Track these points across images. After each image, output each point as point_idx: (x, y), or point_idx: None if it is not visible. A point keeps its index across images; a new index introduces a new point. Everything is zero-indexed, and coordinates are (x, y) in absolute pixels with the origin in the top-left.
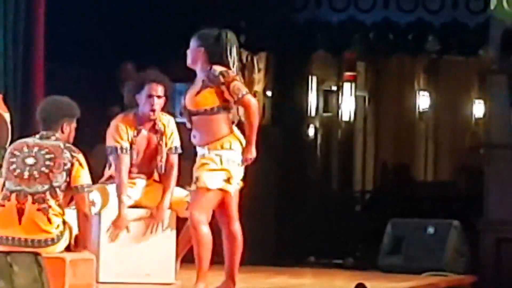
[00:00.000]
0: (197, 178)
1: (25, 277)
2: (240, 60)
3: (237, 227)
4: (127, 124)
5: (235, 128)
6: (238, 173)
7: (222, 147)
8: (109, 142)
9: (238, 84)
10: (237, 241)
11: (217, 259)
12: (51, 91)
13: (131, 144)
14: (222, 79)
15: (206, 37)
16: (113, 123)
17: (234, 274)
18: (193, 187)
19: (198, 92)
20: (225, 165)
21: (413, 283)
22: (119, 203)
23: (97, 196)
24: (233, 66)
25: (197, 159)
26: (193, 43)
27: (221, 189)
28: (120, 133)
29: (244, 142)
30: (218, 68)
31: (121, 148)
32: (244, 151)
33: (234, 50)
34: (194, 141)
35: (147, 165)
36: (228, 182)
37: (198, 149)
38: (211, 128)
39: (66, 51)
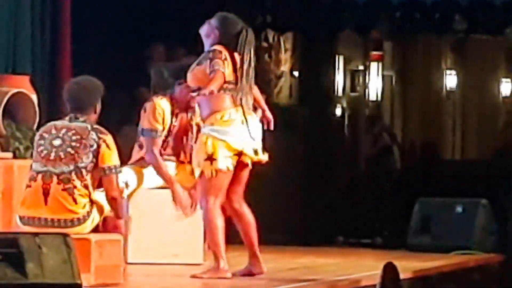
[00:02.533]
0: (197, 164)
1: (54, 258)
2: (266, 41)
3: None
4: (165, 108)
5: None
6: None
7: (215, 122)
8: (145, 124)
9: (219, 62)
10: (246, 219)
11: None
12: (77, 72)
13: (170, 128)
14: (210, 55)
15: (227, 24)
16: (149, 105)
17: (256, 252)
18: (196, 172)
19: (193, 69)
20: (210, 142)
21: (441, 262)
22: (170, 183)
23: (133, 177)
24: (245, 64)
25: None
26: (214, 21)
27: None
28: (156, 116)
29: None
30: (216, 47)
31: (157, 131)
32: None
33: (251, 51)
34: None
35: (178, 146)
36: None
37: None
38: (208, 104)
39: (93, 32)
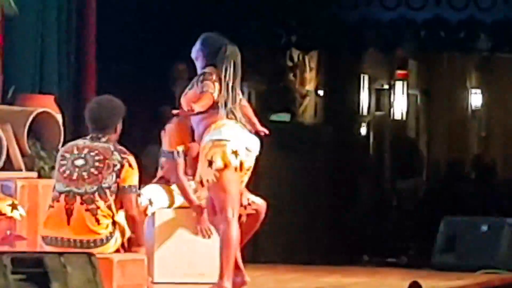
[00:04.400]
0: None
1: (79, 278)
2: (291, 60)
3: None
4: (184, 128)
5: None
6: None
7: (210, 130)
8: (166, 146)
9: (209, 84)
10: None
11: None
12: (101, 91)
13: (188, 148)
14: (201, 78)
15: (208, 43)
16: (169, 127)
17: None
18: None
19: (186, 93)
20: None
21: (467, 281)
22: (191, 203)
23: (161, 195)
24: (225, 80)
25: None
26: (198, 43)
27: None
28: (176, 138)
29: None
30: (206, 69)
31: (177, 152)
32: None
33: (231, 65)
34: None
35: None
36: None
37: None
38: (201, 123)
39: (117, 50)
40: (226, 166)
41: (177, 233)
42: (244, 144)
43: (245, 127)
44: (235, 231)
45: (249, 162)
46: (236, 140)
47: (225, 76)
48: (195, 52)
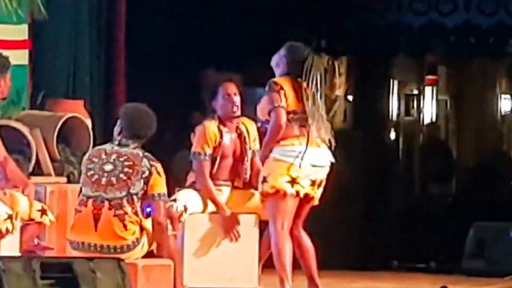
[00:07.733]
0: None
1: (108, 283)
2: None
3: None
4: (213, 129)
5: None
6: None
7: (285, 145)
8: (194, 147)
9: (276, 96)
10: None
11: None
12: (132, 97)
13: (215, 148)
14: (267, 88)
15: (294, 51)
16: (199, 129)
17: (314, 277)
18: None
19: (260, 101)
20: (289, 158)
21: (496, 287)
22: (219, 208)
23: (196, 200)
24: (310, 89)
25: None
26: (282, 50)
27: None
28: (206, 139)
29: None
30: (273, 79)
31: (205, 154)
32: None
33: (316, 76)
34: None
35: (235, 170)
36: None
37: None
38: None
39: (148, 57)
40: (276, 192)
41: (207, 238)
42: (311, 162)
43: (317, 143)
44: (283, 240)
45: (320, 176)
46: (300, 162)
47: (310, 87)
48: (278, 58)
